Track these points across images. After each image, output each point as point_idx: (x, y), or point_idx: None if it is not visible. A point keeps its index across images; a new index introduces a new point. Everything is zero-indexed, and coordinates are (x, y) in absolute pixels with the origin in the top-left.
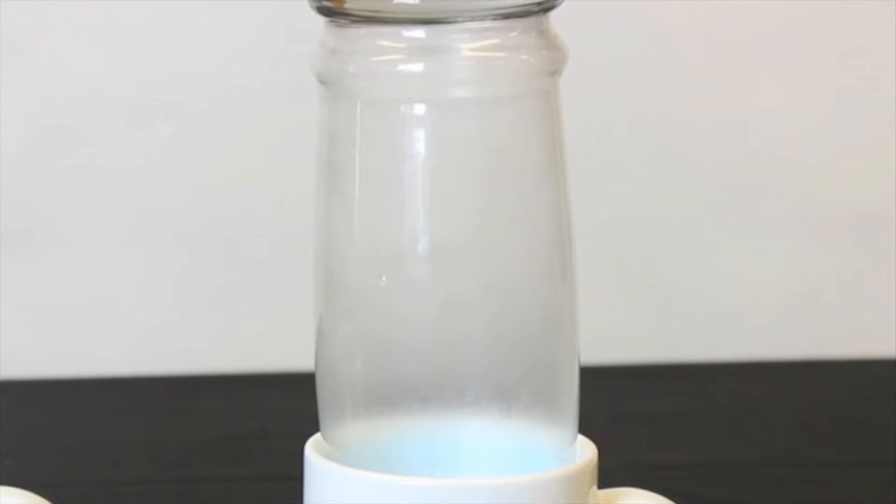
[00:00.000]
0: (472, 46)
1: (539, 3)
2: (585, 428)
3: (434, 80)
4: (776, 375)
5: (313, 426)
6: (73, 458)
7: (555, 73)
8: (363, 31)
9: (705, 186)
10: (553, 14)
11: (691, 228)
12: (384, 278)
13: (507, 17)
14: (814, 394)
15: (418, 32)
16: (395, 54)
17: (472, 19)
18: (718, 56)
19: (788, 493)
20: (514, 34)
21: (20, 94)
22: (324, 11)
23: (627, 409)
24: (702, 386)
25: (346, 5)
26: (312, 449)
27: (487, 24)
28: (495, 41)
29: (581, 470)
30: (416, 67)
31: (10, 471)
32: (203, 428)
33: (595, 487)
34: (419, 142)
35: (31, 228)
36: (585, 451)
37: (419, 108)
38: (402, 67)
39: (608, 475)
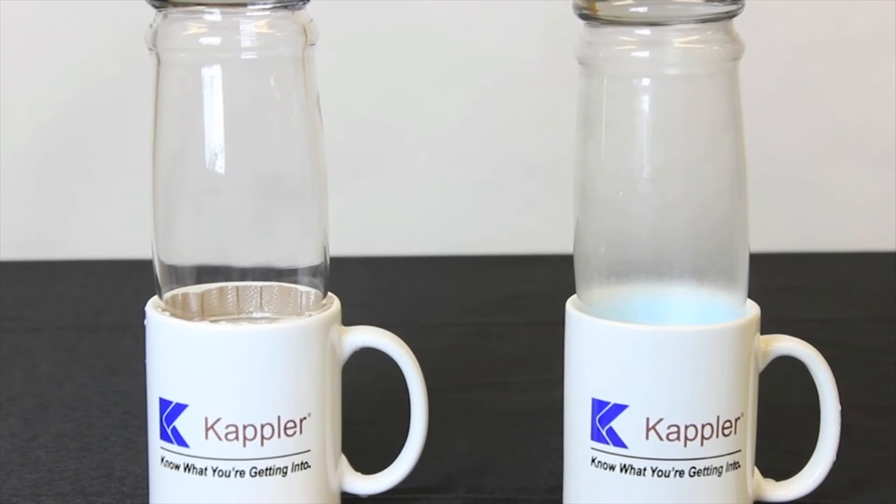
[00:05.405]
0: (681, 40)
1: (727, 13)
2: (751, 293)
3: (655, 62)
4: None
5: (571, 290)
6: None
7: (736, 58)
8: (609, 30)
9: None
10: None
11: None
12: (621, 193)
13: (705, 21)
14: None
15: (646, 31)
16: (629, 45)
17: (682, 22)
18: None
19: None
20: (709, 32)
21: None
22: (583, 17)
23: (776, 282)
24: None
25: (598, 13)
26: (571, 305)
27: (692, 25)
28: (697, 37)
29: (750, 322)
30: (644, 54)
31: None
32: (490, 291)
33: (758, 333)
34: (645, 104)
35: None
36: (752, 310)
37: (645, 81)
38: (634, 54)
39: (763, 326)
